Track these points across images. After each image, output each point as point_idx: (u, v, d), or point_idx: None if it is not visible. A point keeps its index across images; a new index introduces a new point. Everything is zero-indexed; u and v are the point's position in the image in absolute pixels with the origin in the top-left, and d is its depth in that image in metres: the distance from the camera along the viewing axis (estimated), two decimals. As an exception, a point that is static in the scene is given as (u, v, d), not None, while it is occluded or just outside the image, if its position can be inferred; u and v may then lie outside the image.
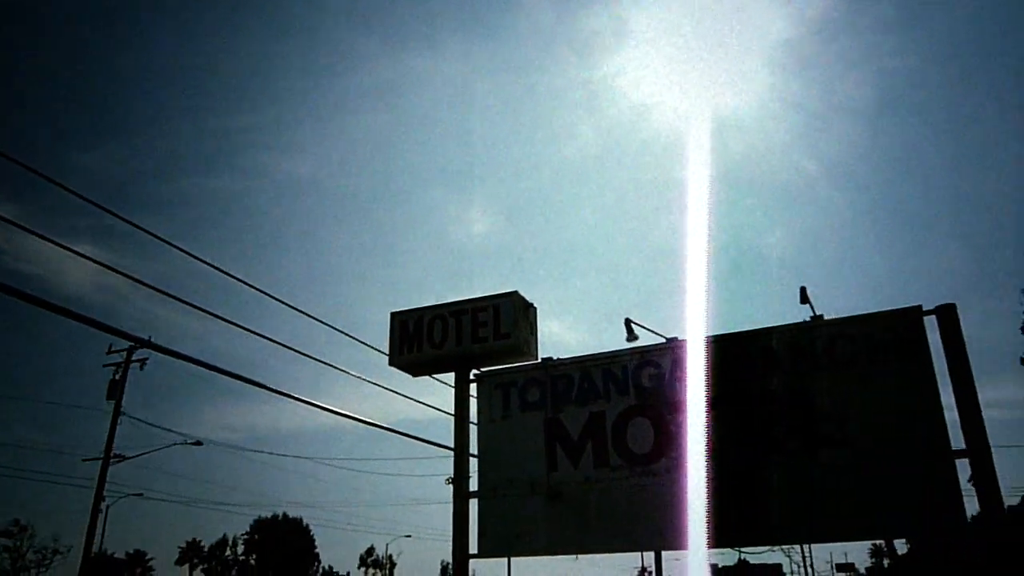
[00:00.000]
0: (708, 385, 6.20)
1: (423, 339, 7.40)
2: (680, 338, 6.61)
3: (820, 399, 5.82)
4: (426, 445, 14.95)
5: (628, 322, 7.49)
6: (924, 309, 5.70)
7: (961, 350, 5.47)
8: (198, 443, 32.08)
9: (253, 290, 12.66)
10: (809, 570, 59.05)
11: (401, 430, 15.43)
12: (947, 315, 5.59)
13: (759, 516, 5.78)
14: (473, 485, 7.01)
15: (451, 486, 7.22)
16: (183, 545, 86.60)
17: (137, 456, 32.33)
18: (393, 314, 7.66)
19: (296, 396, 13.25)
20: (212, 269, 11.94)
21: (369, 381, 13.45)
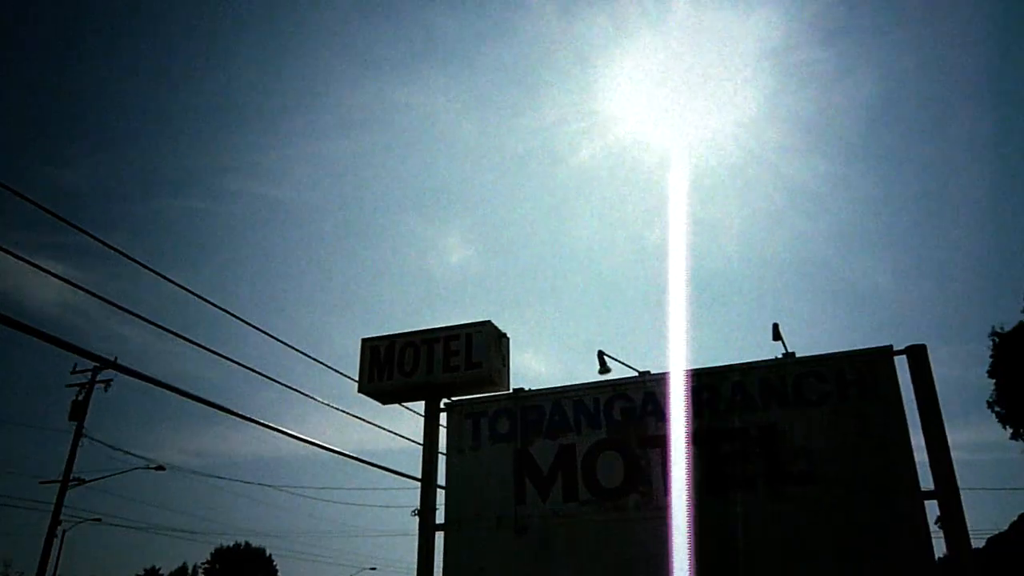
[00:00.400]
0: (679, 421, 6.16)
1: (394, 366, 7.29)
2: (653, 372, 6.58)
3: (790, 437, 5.80)
4: (395, 476, 14.72)
5: (601, 354, 7.43)
6: (895, 349, 5.73)
7: (931, 391, 5.49)
8: (161, 468, 31.33)
9: (223, 313, 12.48)
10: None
11: (371, 460, 15.21)
12: (917, 356, 5.62)
13: (727, 555, 5.71)
14: (440, 518, 6.88)
15: (417, 518, 7.08)
16: (141, 573, 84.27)
17: (97, 480, 31.52)
18: (364, 340, 7.55)
19: (263, 422, 13.02)
20: (183, 291, 11.77)
21: (338, 408, 13.28)
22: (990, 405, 31.93)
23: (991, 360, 31.73)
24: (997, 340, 31.56)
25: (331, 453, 13.58)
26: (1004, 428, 31.73)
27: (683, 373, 6.33)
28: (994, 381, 31.76)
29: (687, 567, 5.74)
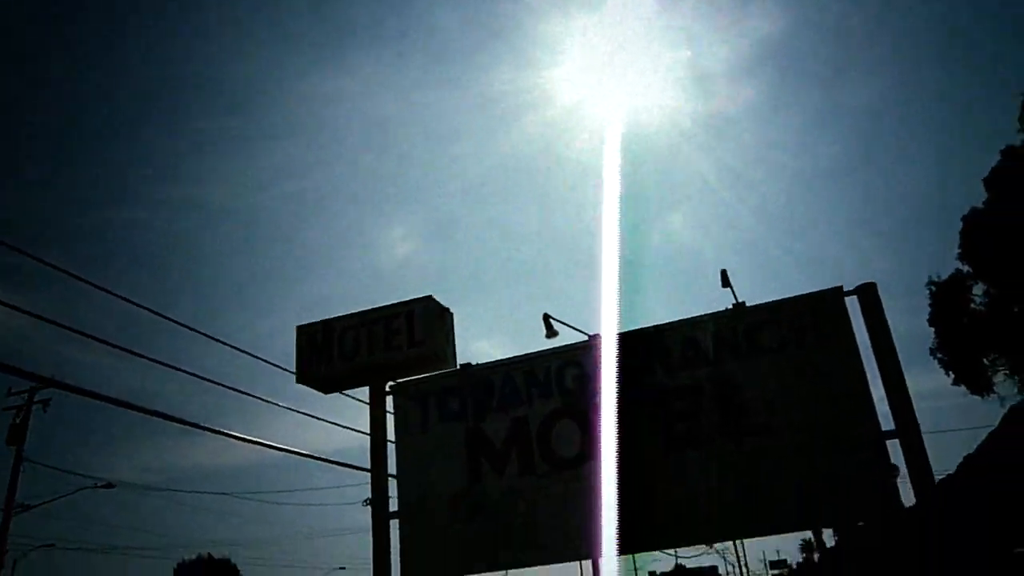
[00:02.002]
0: (633, 381, 5.95)
1: (332, 352, 6.91)
2: (602, 334, 6.34)
3: (745, 388, 5.64)
4: (352, 472, 14.36)
5: (546, 317, 7.18)
6: (845, 290, 5.61)
7: (884, 329, 5.38)
8: (109, 486, 30.22)
9: (166, 320, 11.92)
10: (744, 569, 60.09)
11: (334, 459, 14.82)
12: (868, 294, 5.51)
13: (690, 514, 5.54)
14: (394, 506, 6.57)
15: (370, 508, 6.76)
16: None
17: (43, 504, 30.28)
18: (299, 328, 7.14)
19: (212, 428, 12.51)
20: (121, 302, 11.20)
21: (284, 407, 12.83)
22: (932, 352, 32.85)
23: (930, 309, 32.62)
24: (934, 289, 32.44)
25: (290, 457, 13.15)
26: (947, 374, 32.70)
27: (632, 332, 6.12)
28: (934, 330, 32.69)
29: (652, 531, 5.56)
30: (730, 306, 6.04)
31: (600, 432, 5.97)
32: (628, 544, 5.66)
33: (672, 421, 5.76)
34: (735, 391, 5.65)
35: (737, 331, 5.79)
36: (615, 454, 5.82)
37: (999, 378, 31.81)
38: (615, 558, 5.72)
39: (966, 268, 31.24)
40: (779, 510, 5.31)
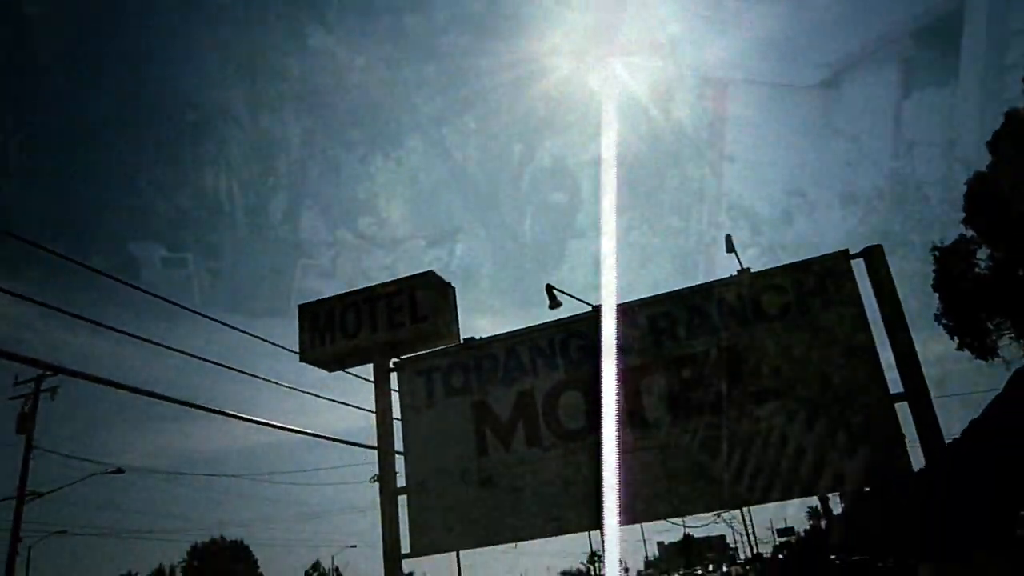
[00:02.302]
0: (638, 351, 5.91)
1: (335, 330, 6.87)
2: (606, 305, 6.29)
3: (752, 355, 5.60)
4: (365, 451, 14.40)
5: (549, 288, 7.08)
6: (850, 253, 5.55)
7: (891, 290, 5.33)
8: (119, 471, 30.35)
9: (171, 305, 11.91)
10: (752, 537, 60.54)
11: (346, 439, 14.90)
12: (874, 257, 5.45)
13: (699, 483, 5.52)
14: (401, 481, 6.57)
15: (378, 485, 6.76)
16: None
17: (53, 491, 30.48)
18: (301, 307, 7.10)
19: (224, 411, 12.57)
20: (125, 287, 11.20)
21: (289, 387, 12.85)
22: (937, 318, 32.74)
23: (934, 275, 32.46)
24: (938, 255, 32.26)
25: (287, 436, 13.20)
26: (952, 339, 32.62)
27: (637, 302, 6.07)
28: (938, 295, 32.55)
29: (664, 500, 5.55)
30: (736, 271, 5.98)
31: (606, 403, 5.94)
32: (635, 514, 5.66)
33: (680, 389, 5.73)
34: (742, 357, 5.61)
35: (743, 298, 5.74)
36: (622, 424, 5.80)
37: (1004, 342, 31.71)
38: (623, 528, 5.72)
39: (970, 232, 31.05)
40: (788, 476, 5.29)
